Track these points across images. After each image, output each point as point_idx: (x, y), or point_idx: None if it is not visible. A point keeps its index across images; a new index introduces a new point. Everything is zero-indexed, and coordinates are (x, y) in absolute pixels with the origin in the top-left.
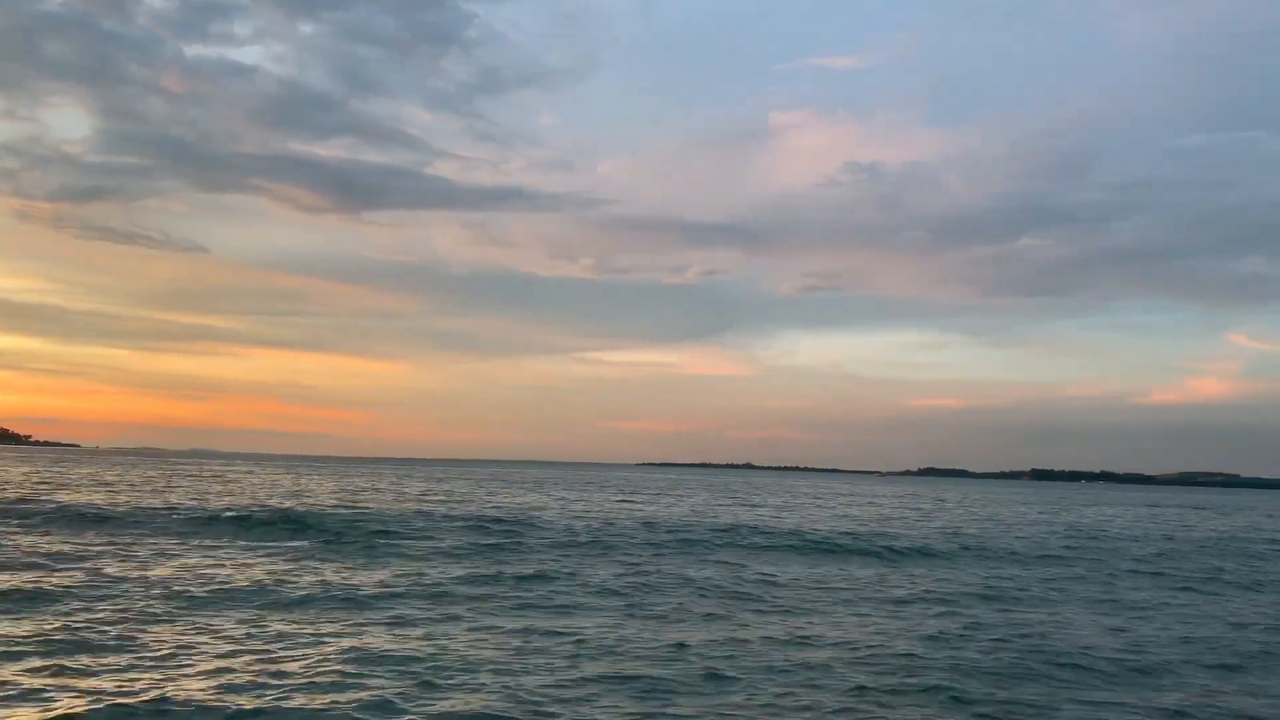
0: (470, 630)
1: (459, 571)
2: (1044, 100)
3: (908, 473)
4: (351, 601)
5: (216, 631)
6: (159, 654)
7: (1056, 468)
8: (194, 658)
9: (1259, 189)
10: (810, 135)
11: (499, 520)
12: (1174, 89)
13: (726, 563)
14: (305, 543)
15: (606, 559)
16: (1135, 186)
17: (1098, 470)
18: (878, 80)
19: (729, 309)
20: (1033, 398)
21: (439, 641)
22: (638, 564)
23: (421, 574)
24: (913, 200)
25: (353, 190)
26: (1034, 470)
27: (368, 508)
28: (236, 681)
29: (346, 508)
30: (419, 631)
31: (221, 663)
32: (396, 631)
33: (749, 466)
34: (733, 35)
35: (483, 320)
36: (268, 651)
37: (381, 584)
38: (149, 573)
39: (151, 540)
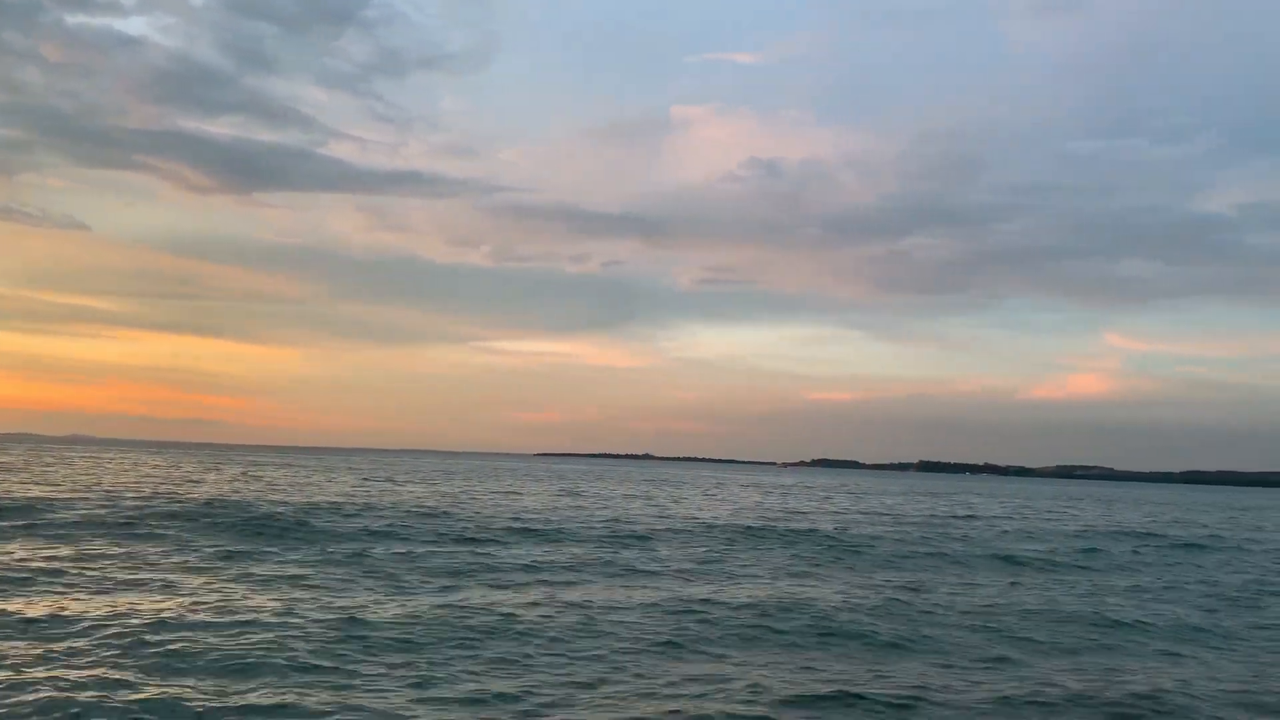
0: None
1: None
2: (939, 103)
3: (802, 463)
4: None
5: None
6: None
7: (944, 460)
8: None
9: (1139, 195)
10: (712, 129)
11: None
12: (1063, 97)
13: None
14: None
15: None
16: (1023, 189)
17: (982, 463)
18: (780, 77)
19: (630, 300)
20: (922, 392)
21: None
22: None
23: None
24: (810, 197)
25: (244, 170)
26: (922, 462)
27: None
28: None
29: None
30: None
31: None
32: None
33: (648, 457)
34: (638, 26)
35: (379, 307)
36: None
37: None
38: None
39: None
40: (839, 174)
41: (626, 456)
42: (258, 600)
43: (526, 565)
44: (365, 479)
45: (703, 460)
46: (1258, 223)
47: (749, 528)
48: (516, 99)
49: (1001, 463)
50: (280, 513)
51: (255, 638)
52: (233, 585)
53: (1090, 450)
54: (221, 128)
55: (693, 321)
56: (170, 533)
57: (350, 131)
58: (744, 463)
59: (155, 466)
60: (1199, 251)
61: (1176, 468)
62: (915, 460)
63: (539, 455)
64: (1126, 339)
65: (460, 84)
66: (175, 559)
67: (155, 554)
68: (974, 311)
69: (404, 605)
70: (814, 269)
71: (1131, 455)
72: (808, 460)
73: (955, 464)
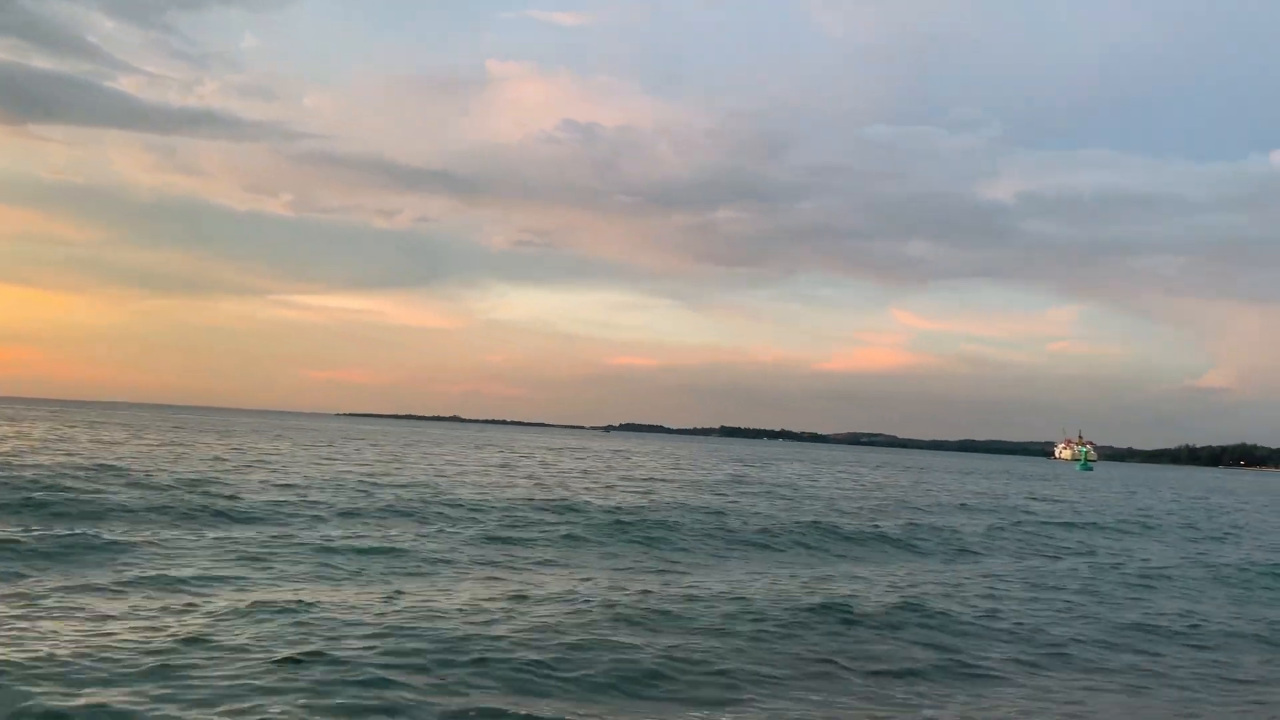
0: None
1: None
2: (750, 81)
3: (609, 427)
4: None
5: None
6: None
7: (743, 426)
8: None
9: (928, 180)
10: (529, 89)
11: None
12: (863, 82)
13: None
14: None
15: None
16: (823, 169)
17: (778, 429)
18: (598, 41)
19: (440, 258)
20: (724, 360)
21: None
22: None
23: None
24: (625, 164)
25: (18, 99)
26: (723, 427)
27: None
28: None
29: None
30: None
31: None
32: None
33: (455, 419)
34: None
35: (168, 253)
36: None
37: None
38: None
39: None
40: (654, 143)
41: (434, 419)
42: None
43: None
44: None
45: (512, 423)
46: (1033, 210)
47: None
48: (323, 41)
49: (796, 429)
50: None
51: None
52: None
53: (877, 419)
54: None
55: (504, 283)
56: None
57: (139, 65)
58: (554, 426)
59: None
60: (981, 236)
61: (953, 436)
62: (717, 425)
63: (341, 415)
64: (912, 316)
65: (262, 22)
66: None
67: None
68: (774, 285)
69: None
70: (626, 236)
71: (914, 424)
72: (616, 424)
73: (754, 429)
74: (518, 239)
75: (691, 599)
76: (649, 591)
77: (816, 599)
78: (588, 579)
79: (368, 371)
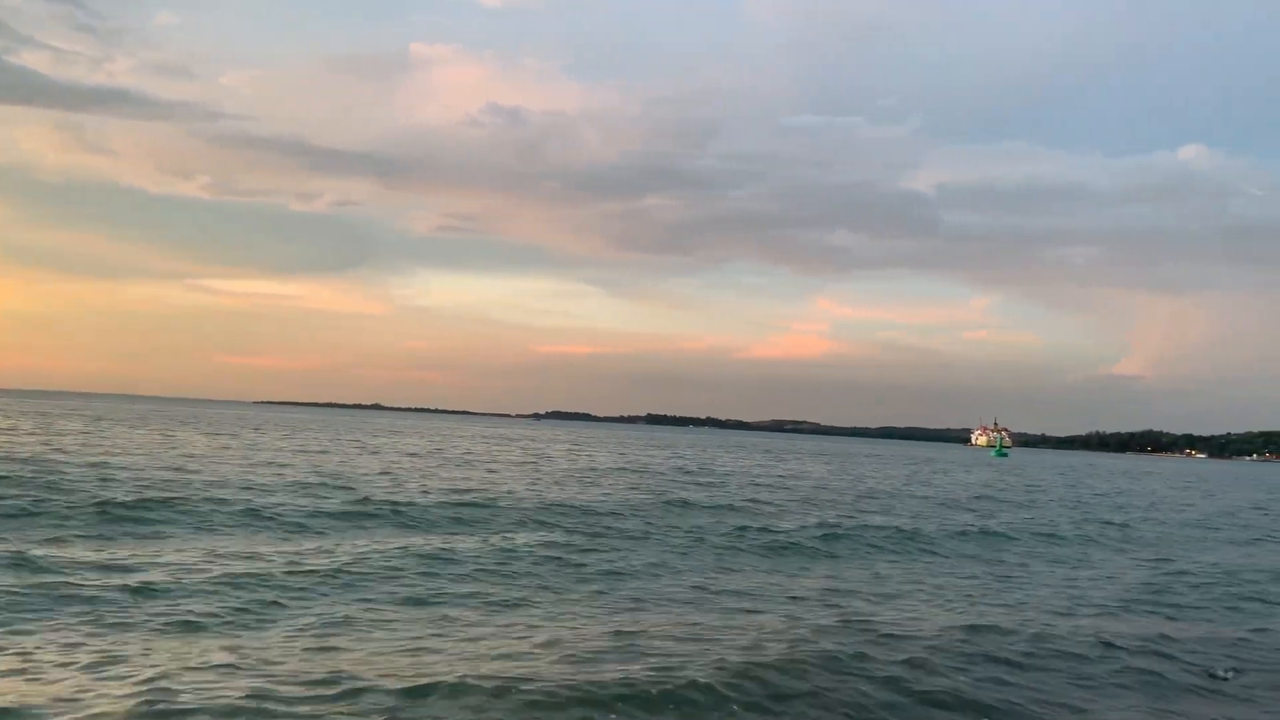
0: None
1: None
2: (676, 68)
3: (536, 415)
4: None
5: None
6: None
7: (670, 413)
8: None
9: (853, 170)
10: (454, 72)
11: None
12: (789, 72)
13: None
14: None
15: None
16: (749, 158)
17: (704, 416)
18: (524, 25)
19: (362, 243)
20: (651, 348)
21: None
22: None
23: None
24: (552, 150)
25: None
26: (650, 415)
27: None
28: None
29: None
30: None
31: None
32: None
33: (378, 407)
34: None
35: (77, 235)
36: None
37: None
38: None
39: None
40: (581, 129)
41: (355, 406)
42: None
43: None
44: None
45: (435, 411)
46: (953, 201)
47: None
48: (242, 19)
49: (722, 416)
50: None
51: None
52: None
53: (801, 406)
54: None
55: (428, 269)
56: None
57: (46, 39)
58: (479, 414)
59: None
60: (902, 226)
61: (874, 424)
62: (644, 413)
63: (259, 404)
64: (835, 304)
65: None
66: None
67: None
68: (702, 273)
69: None
70: (553, 223)
71: (836, 411)
72: (542, 412)
73: (680, 417)
74: (442, 224)
75: None
76: None
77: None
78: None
79: (287, 358)
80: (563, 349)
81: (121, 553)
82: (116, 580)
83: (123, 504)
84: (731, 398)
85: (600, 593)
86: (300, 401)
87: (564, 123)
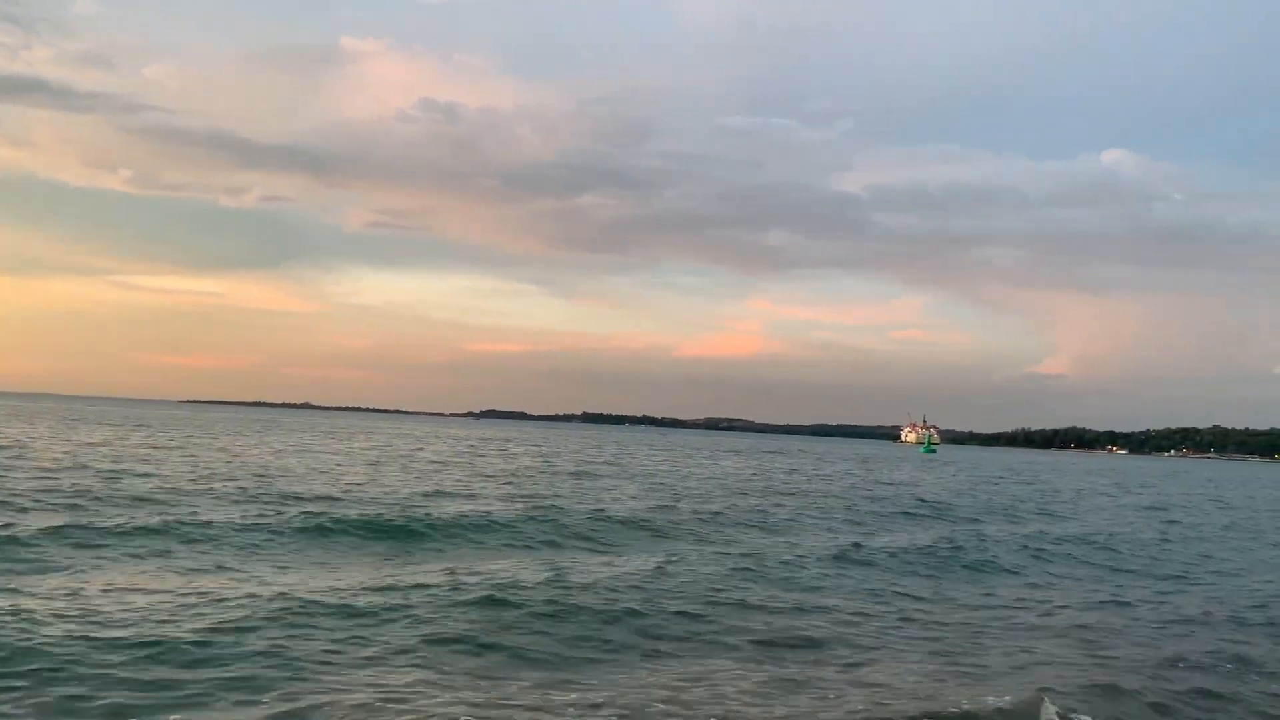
0: None
1: None
2: (613, 66)
3: (470, 414)
4: None
5: None
6: None
7: (606, 411)
8: None
9: (786, 171)
10: (386, 66)
11: None
12: (723, 73)
13: None
14: None
15: None
16: (685, 158)
17: (640, 415)
18: (458, 21)
19: (292, 239)
20: (588, 347)
21: None
22: None
23: None
24: (487, 147)
25: None
26: (585, 413)
27: None
28: None
29: None
30: None
31: None
32: None
33: (308, 406)
34: None
35: None
36: None
37: None
38: None
39: None
40: (516, 126)
41: (285, 405)
42: None
43: None
44: None
45: (368, 410)
46: (883, 203)
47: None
48: (165, 9)
49: (657, 414)
50: None
51: None
52: None
53: (735, 404)
54: None
55: (361, 266)
56: None
57: None
58: (412, 413)
59: None
60: (835, 227)
61: (807, 421)
62: (580, 411)
63: (186, 402)
64: (770, 304)
65: None
66: None
67: None
68: (638, 271)
69: None
70: (488, 220)
71: (769, 409)
72: (477, 411)
73: (616, 415)
74: (374, 220)
75: None
76: None
77: None
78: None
79: (215, 356)
80: (498, 348)
81: None
82: None
83: None
84: (667, 396)
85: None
86: (229, 400)
87: (499, 120)
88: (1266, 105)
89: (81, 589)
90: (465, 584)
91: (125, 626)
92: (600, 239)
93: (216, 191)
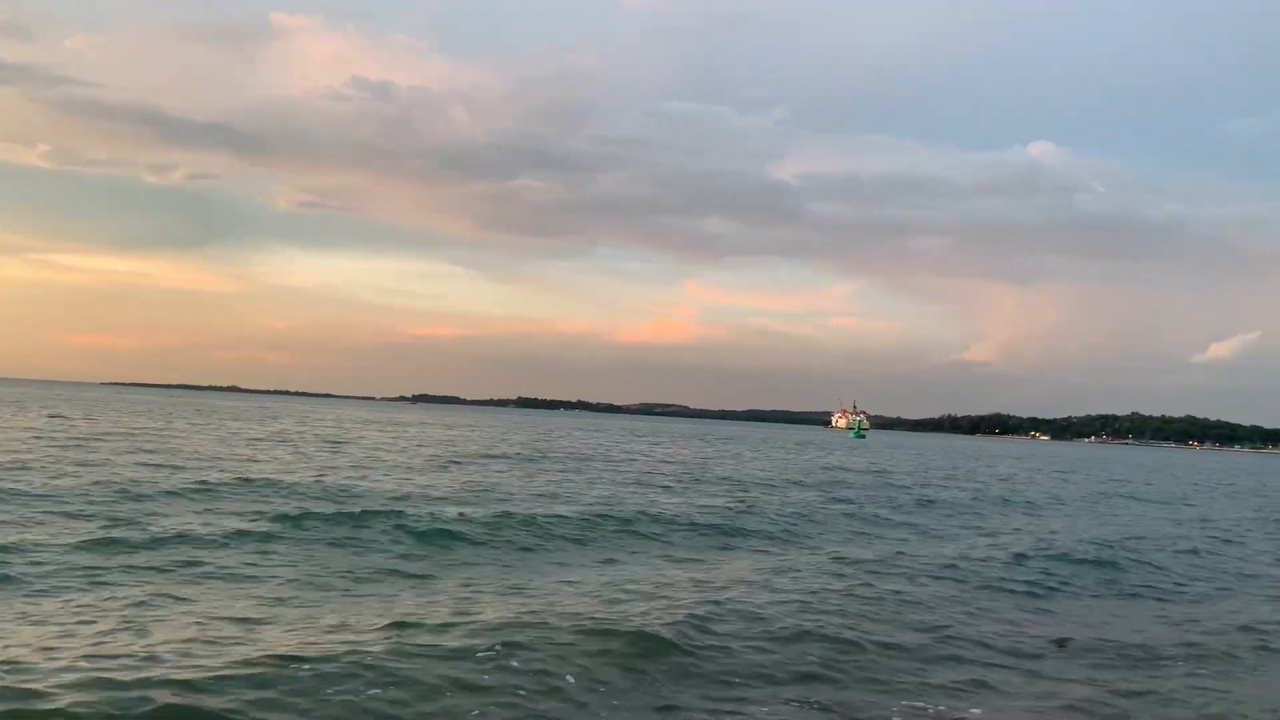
0: None
1: None
2: (548, 49)
3: (401, 398)
4: None
5: None
6: None
7: (541, 396)
8: None
9: (724, 159)
10: (316, 43)
11: None
12: (661, 57)
13: None
14: None
15: None
16: (622, 142)
17: (576, 400)
18: None
19: (219, 218)
20: (523, 331)
21: None
22: None
23: None
24: (420, 126)
25: None
26: (520, 398)
27: None
28: None
29: None
30: None
31: None
32: None
33: (235, 389)
34: None
35: None
36: None
37: None
38: None
39: None
40: (450, 106)
41: (211, 388)
42: None
43: None
44: None
45: (296, 394)
46: (816, 192)
47: None
48: None
49: (593, 400)
50: None
51: None
52: None
53: (671, 390)
54: None
55: (289, 246)
56: None
57: None
58: (341, 397)
59: None
60: (770, 214)
61: (741, 406)
62: (515, 396)
63: (107, 385)
64: (705, 290)
65: None
66: None
67: None
68: (574, 256)
69: None
70: (421, 201)
71: (705, 394)
72: (409, 395)
73: (552, 400)
74: (303, 200)
75: None
76: None
77: None
78: None
79: (138, 337)
80: (431, 331)
81: None
82: None
83: None
84: (603, 381)
85: None
86: (153, 383)
87: (432, 99)
88: (1187, 100)
89: None
90: None
91: None
92: (536, 223)
93: (140, 168)
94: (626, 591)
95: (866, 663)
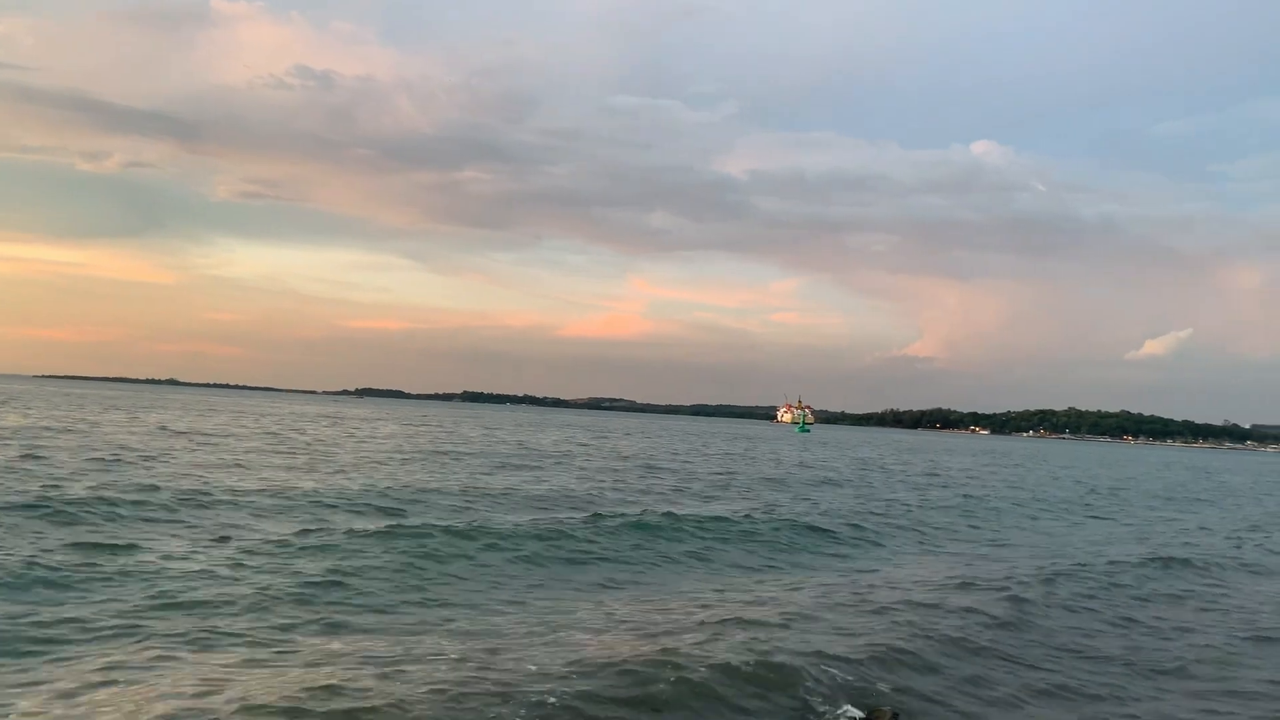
0: None
1: None
2: (495, 40)
3: (345, 392)
4: None
5: None
6: None
7: (487, 390)
8: None
9: (671, 153)
10: (258, 30)
11: None
12: (608, 51)
13: None
14: None
15: None
16: (569, 134)
17: (522, 394)
18: None
19: (157, 208)
20: (468, 324)
21: None
22: None
23: None
24: (363, 116)
25: None
26: (465, 392)
27: None
28: None
29: None
30: None
31: None
32: None
33: (173, 383)
34: None
35: None
36: None
37: None
38: None
39: None
40: (394, 96)
41: (149, 381)
42: None
43: None
44: None
45: (236, 387)
46: (763, 188)
47: None
48: None
49: (539, 394)
50: None
51: None
52: None
53: (617, 384)
54: None
55: (230, 237)
56: None
57: None
58: (284, 390)
59: None
60: (715, 209)
61: (688, 401)
62: (460, 390)
63: (40, 377)
64: (652, 285)
65: None
66: None
67: None
68: (520, 249)
69: None
70: (365, 192)
71: (651, 389)
72: (352, 389)
73: (498, 394)
74: (245, 190)
75: None
76: None
77: None
78: None
79: (73, 329)
80: (375, 324)
81: None
82: None
83: None
84: (549, 375)
85: None
86: (89, 376)
87: (377, 89)
88: (1124, 103)
89: None
90: None
91: None
92: (482, 215)
93: (74, 155)
94: None
95: None
